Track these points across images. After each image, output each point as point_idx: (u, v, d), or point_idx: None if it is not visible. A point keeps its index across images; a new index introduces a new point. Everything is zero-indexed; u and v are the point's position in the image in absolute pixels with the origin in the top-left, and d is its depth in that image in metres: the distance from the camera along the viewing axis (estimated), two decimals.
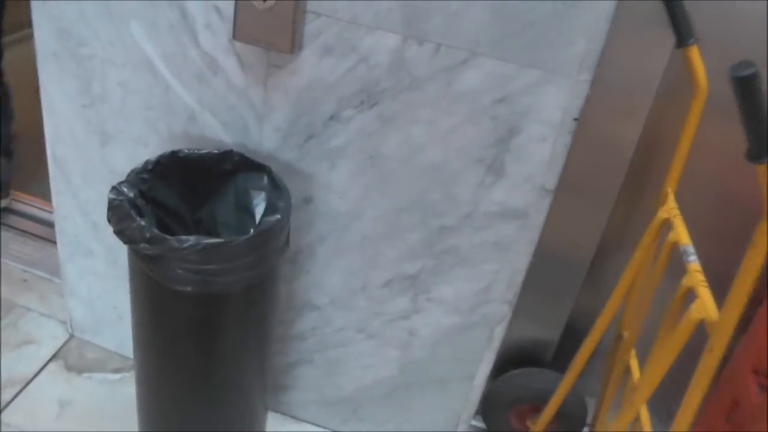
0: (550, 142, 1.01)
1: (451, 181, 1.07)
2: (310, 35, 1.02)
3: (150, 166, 1.08)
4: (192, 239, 0.95)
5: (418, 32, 0.99)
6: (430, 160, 1.06)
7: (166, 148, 1.17)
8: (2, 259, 1.61)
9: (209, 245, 0.95)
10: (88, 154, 1.24)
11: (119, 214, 0.99)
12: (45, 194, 1.57)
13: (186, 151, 1.09)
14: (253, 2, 1.00)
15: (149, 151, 1.19)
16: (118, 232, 0.99)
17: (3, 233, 1.69)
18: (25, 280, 1.59)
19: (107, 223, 1.00)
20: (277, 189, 1.08)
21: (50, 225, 1.50)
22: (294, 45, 1.02)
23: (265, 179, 1.10)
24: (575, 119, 0.99)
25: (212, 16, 1.06)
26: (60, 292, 1.50)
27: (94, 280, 1.41)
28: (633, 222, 1.32)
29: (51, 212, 1.38)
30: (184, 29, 1.08)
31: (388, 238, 1.14)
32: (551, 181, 1.04)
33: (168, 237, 0.96)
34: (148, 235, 0.96)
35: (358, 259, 1.18)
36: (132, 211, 0.98)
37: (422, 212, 1.11)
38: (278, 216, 1.02)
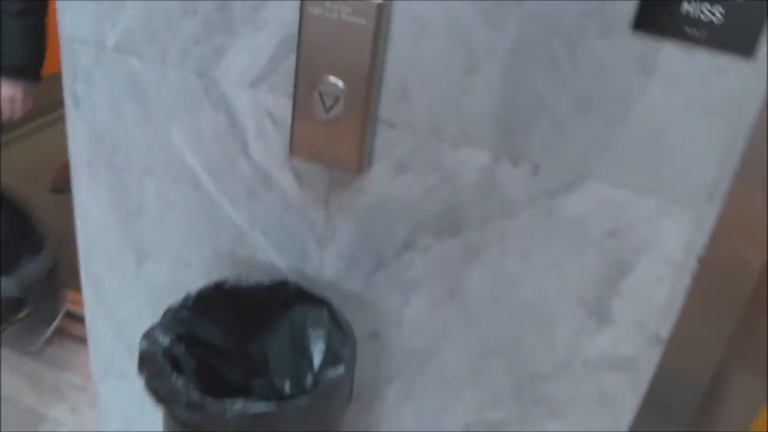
0: (668, 283, 0.80)
1: (548, 324, 0.87)
2: (383, 149, 0.84)
3: (190, 303, 0.90)
4: (239, 405, 0.76)
5: (514, 149, 0.79)
6: (523, 298, 0.86)
7: (210, 270, 0.99)
8: (34, 363, 1.45)
9: (259, 414, 0.77)
10: (123, 271, 1.07)
11: (152, 368, 0.81)
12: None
13: (232, 281, 0.91)
14: (314, 112, 0.82)
15: (191, 273, 1.01)
16: (151, 390, 0.81)
17: None
18: (57, 389, 1.42)
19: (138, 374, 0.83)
20: (339, 330, 0.88)
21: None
22: (363, 163, 0.84)
23: (326, 316, 0.91)
24: (699, 257, 0.79)
25: (265, 124, 0.88)
26: (94, 402, 1.33)
27: (130, 403, 1.23)
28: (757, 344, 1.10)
29: None
30: (232, 138, 0.91)
31: (470, 381, 0.94)
32: (665, 329, 0.83)
33: (209, 400, 0.77)
34: (185, 398, 0.78)
35: (433, 402, 0.98)
36: (167, 367, 0.80)
37: (511, 356, 0.90)
38: (341, 369, 0.82)
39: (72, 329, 1.53)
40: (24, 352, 1.43)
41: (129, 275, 1.06)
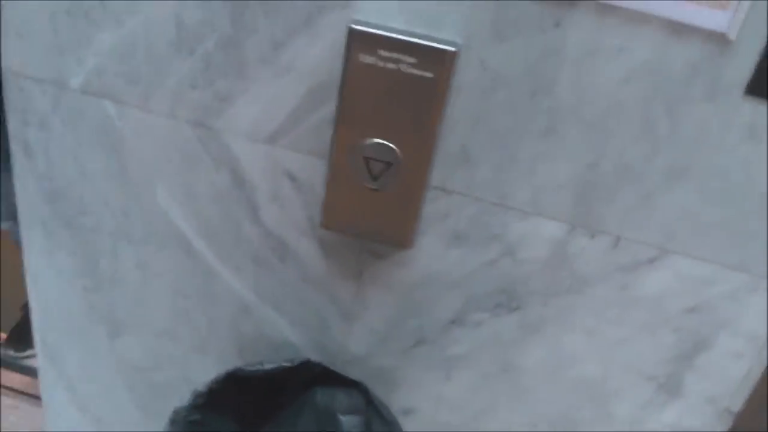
0: (747, 360, 0.70)
1: (609, 400, 0.75)
2: (433, 217, 0.68)
3: (201, 400, 0.71)
4: None
5: (593, 221, 0.66)
6: (584, 375, 0.74)
7: (203, 343, 0.80)
8: None
9: None
10: (92, 345, 0.85)
11: None
12: None
13: (248, 369, 0.73)
14: (356, 179, 0.65)
15: (179, 346, 0.82)
16: None
17: None
18: None
19: None
20: (379, 417, 0.73)
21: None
22: (413, 237, 0.68)
23: (361, 401, 0.75)
24: None
25: (282, 186, 0.70)
26: None
27: None
28: None
29: None
30: (237, 200, 0.72)
31: None
32: (738, 403, 0.74)
33: None
34: None
35: None
36: None
37: (564, 429, 0.79)
38: None
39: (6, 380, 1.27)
40: None
41: (99, 348, 0.85)
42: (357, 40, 0.60)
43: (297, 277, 0.73)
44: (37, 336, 0.86)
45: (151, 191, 0.73)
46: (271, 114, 0.66)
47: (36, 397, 1.19)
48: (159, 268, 0.77)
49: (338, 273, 0.72)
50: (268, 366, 0.73)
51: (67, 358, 0.87)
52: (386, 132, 0.62)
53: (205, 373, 0.79)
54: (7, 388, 1.19)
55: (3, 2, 0.68)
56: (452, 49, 0.59)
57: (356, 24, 0.60)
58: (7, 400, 1.20)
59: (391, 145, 0.62)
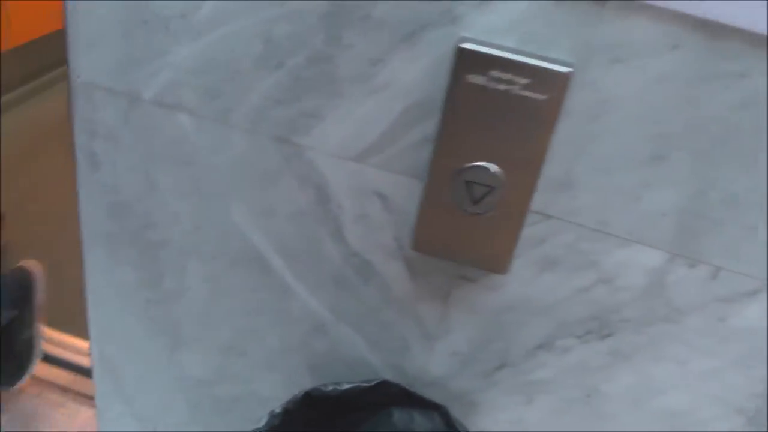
0: None
1: (693, 429, 0.73)
2: (528, 242, 0.64)
3: (276, 420, 0.68)
4: None
5: (693, 251, 0.62)
6: (670, 405, 0.71)
7: (273, 360, 0.77)
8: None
9: None
10: (150, 357, 0.82)
11: None
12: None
13: (325, 389, 0.70)
14: (455, 202, 0.61)
15: (246, 362, 0.78)
16: None
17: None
18: None
19: None
20: None
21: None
22: (510, 264, 0.64)
23: (439, 423, 0.72)
24: None
25: (371, 206, 0.66)
26: None
27: None
28: None
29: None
30: (321, 218, 0.68)
31: None
32: None
33: None
34: None
35: None
36: None
37: None
38: None
39: (52, 376, 1.22)
40: None
41: (158, 363, 0.81)
42: (466, 60, 0.55)
43: (379, 297, 0.70)
44: (94, 347, 0.82)
45: (226, 207, 0.69)
46: (362, 132, 0.62)
47: (82, 395, 1.16)
48: (230, 284, 0.73)
49: (424, 295, 0.69)
50: (345, 386, 0.70)
51: (125, 370, 0.84)
52: (490, 155, 0.58)
53: (272, 389, 0.76)
54: (52, 384, 1.15)
55: (73, 11, 0.63)
56: (567, 70, 0.55)
57: (465, 42, 0.55)
58: (53, 397, 1.16)
59: (494, 168, 0.59)
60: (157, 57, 0.63)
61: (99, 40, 0.64)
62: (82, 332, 1.24)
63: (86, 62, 0.65)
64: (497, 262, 0.63)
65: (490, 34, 0.56)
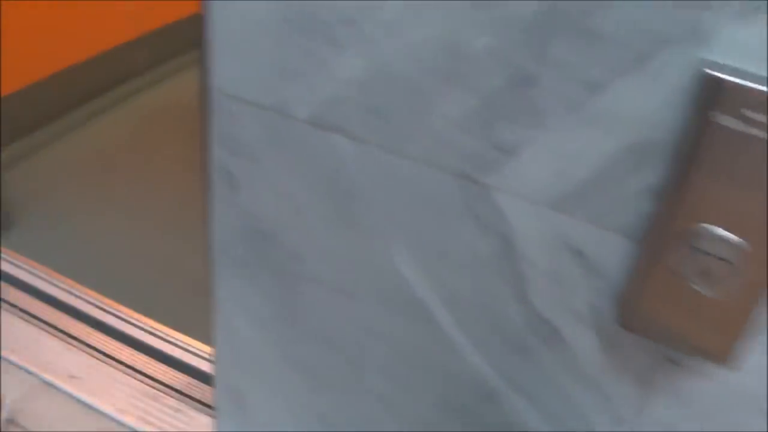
0: None
1: None
2: (757, 328, 0.50)
3: None
4: None
5: None
6: None
7: (427, 419, 0.66)
8: None
9: None
10: (284, 394, 0.72)
11: None
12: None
13: None
14: (678, 275, 0.47)
15: (394, 416, 0.67)
16: None
17: None
18: None
19: None
20: None
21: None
22: (734, 354, 0.50)
23: None
24: None
25: (565, 263, 0.52)
26: None
27: None
28: None
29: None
30: (502, 272, 0.55)
31: None
32: None
33: None
34: None
35: None
36: None
37: None
38: None
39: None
40: None
41: (293, 402, 0.72)
42: (715, 93, 0.41)
43: (564, 368, 0.57)
44: (219, 375, 0.73)
45: (387, 246, 0.57)
46: (566, 173, 0.49)
47: (201, 402, 1.09)
48: (383, 330, 0.62)
49: (620, 373, 0.55)
50: None
51: (254, 402, 0.75)
52: (733, 221, 0.43)
53: None
54: (168, 386, 1.09)
55: (217, 11, 0.52)
56: None
57: (712, 69, 0.41)
58: (170, 401, 1.10)
59: (736, 238, 0.44)
60: (316, 69, 0.51)
61: (245, 47, 0.52)
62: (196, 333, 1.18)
63: (230, 71, 0.54)
64: (720, 351, 0.48)
65: (745, 57, 0.41)
